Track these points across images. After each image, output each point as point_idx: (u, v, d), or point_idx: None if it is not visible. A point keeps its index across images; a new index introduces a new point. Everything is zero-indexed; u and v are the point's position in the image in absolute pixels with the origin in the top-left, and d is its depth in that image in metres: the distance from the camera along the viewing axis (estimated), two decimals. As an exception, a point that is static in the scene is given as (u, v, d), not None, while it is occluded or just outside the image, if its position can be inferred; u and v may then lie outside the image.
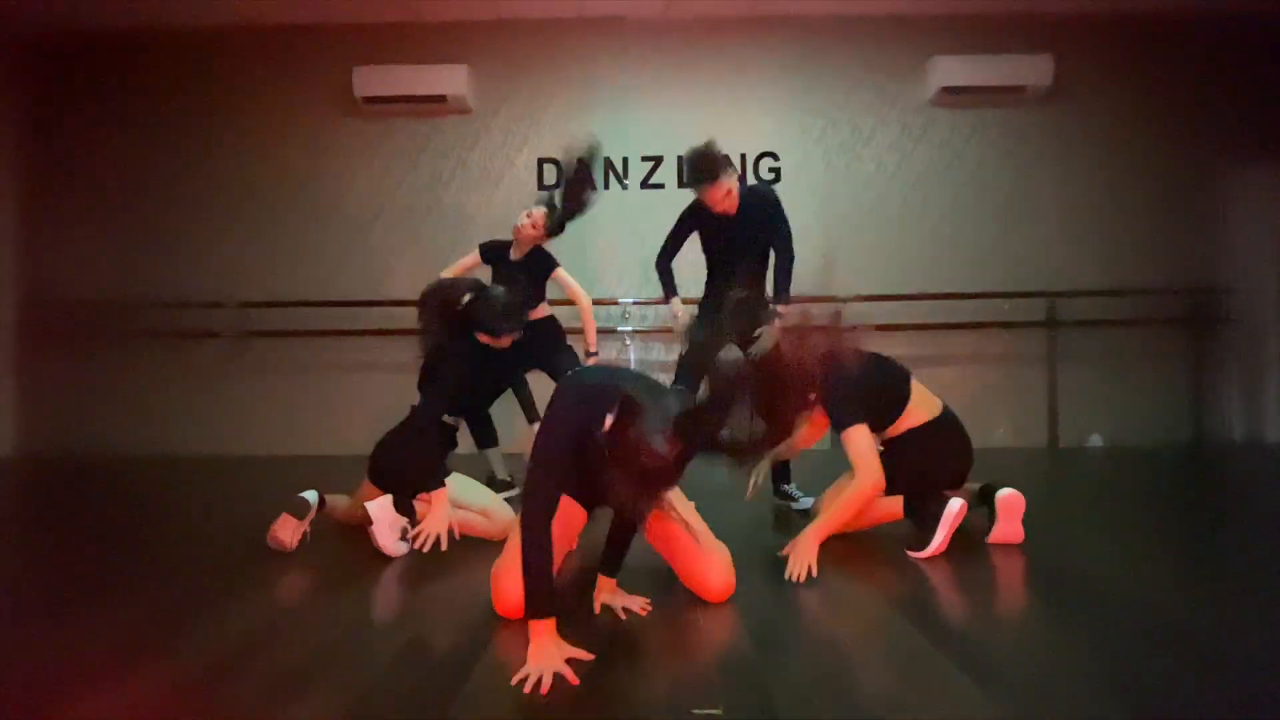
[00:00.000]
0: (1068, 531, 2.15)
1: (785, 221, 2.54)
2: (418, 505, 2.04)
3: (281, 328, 4.31)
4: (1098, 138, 4.34)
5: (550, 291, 2.84)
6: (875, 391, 1.95)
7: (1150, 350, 4.29)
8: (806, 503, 2.47)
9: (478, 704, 1.10)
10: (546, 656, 1.19)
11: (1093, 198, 4.34)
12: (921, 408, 2.01)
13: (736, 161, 4.44)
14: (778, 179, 4.35)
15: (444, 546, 1.84)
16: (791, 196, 2.70)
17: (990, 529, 1.95)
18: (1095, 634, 1.33)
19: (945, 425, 2.02)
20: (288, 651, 1.31)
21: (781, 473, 2.59)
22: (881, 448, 2.00)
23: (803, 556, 1.72)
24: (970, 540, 1.95)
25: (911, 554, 1.87)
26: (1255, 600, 1.53)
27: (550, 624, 1.24)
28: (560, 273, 2.80)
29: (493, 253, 2.86)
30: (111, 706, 1.10)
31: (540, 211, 2.72)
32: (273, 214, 4.41)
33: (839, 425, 1.90)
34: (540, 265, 2.79)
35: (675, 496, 1.62)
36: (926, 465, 1.98)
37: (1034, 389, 4.31)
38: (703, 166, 2.40)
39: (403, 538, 1.98)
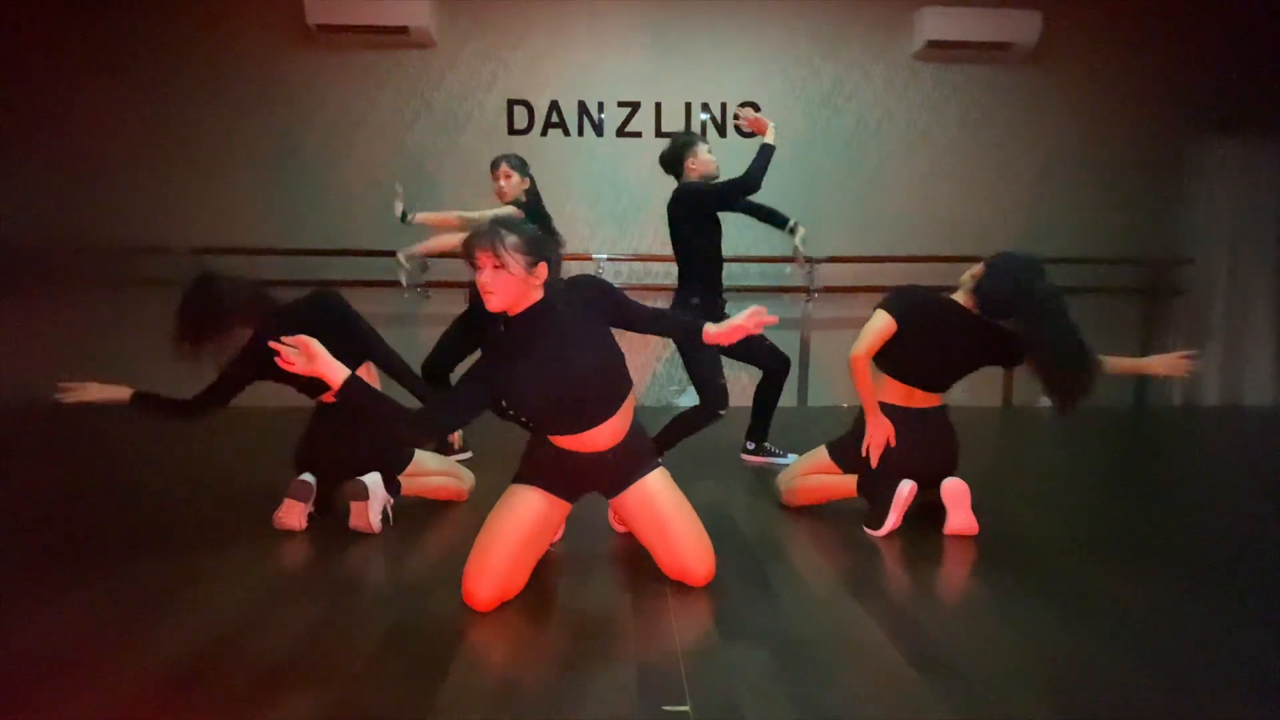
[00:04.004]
0: (1015, 500, 2.28)
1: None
2: (401, 480, 2.09)
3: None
4: (1075, 102, 4.32)
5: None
6: (914, 329, 1.95)
7: (1103, 317, 4.44)
8: (791, 458, 2.65)
9: (458, 700, 1.15)
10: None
11: (1065, 164, 4.36)
12: (910, 396, 2.01)
13: (716, 110, 4.30)
14: (757, 132, 4.23)
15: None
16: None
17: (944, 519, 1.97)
18: (1038, 623, 1.46)
19: (927, 419, 2.01)
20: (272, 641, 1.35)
21: (759, 429, 2.75)
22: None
23: (877, 434, 1.99)
24: (928, 524, 2.02)
25: (868, 531, 1.98)
26: (1192, 583, 1.68)
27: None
28: None
29: None
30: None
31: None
32: (222, 152, 4.12)
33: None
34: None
35: (664, 480, 1.64)
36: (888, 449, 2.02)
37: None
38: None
39: (383, 516, 2.01)
